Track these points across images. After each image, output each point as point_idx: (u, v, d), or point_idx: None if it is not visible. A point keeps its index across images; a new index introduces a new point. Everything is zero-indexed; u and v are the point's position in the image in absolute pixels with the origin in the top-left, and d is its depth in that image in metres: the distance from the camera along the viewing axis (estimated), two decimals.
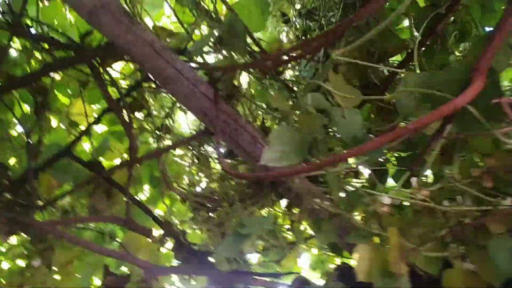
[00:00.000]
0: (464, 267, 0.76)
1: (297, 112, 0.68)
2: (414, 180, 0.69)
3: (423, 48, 0.91)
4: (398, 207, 0.84)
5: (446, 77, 0.51)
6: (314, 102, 0.62)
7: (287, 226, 1.47)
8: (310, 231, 1.48)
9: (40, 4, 1.21)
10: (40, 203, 1.25)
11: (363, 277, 0.71)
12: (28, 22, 1.20)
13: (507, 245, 0.66)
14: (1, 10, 1.07)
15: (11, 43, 1.15)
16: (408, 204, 0.77)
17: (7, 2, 1.06)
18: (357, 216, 0.86)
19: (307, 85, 0.81)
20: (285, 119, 0.85)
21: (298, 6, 1.17)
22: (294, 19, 1.21)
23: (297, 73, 1.23)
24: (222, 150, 1.32)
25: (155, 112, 1.24)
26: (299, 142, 0.65)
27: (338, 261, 1.70)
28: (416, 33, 0.82)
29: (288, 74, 1.35)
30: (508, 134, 0.49)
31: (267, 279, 1.45)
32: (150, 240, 1.27)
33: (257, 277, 1.36)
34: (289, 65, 1.32)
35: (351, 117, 0.60)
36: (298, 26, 1.20)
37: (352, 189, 0.76)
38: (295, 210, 1.39)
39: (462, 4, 0.83)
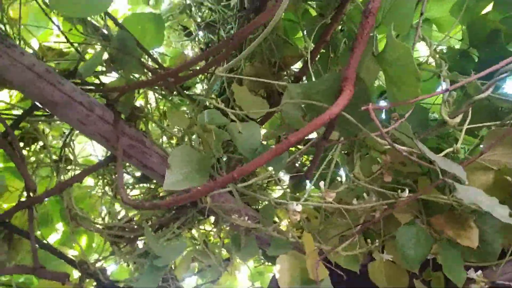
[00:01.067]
0: (384, 258, 0.79)
1: (197, 129, 0.65)
2: (322, 183, 0.70)
3: (318, 56, 0.94)
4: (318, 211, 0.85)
5: (322, 86, 0.52)
6: (210, 118, 0.60)
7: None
8: None
9: None
10: None
11: None
12: None
13: (411, 232, 0.69)
14: None
15: None
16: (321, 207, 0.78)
17: None
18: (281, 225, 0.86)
19: (199, 101, 0.79)
20: (184, 137, 0.81)
21: (198, 19, 1.15)
22: (196, 33, 1.19)
23: (206, 86, 1.21)
24: (136, 174, 1.24)
25: (54, 142, 1.12)
26: (201, 161, 0.61)
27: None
28: (308, 42, 0.84)
29: (199, 88, 1.33)
30: (388, 134, 0.51)
31: None
32: (67, 286, 1.14)
33: None
34: (198, 79, 1.29)
35: (248, 131, 0.59)
36: (201, 39, 1.18)
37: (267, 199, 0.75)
38: (223, 227, 1.36)
39: (345, 13, 0.88)
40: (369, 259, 0.86)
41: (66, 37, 1.00)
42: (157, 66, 0.97)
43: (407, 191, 0.68)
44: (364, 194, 0.73)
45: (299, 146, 1.10)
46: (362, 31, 0.48)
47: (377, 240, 0.79)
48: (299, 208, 0.66)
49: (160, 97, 1.14)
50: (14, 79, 0.79)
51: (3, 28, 0.94)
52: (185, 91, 1.16)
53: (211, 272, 1.47)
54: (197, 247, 1.38)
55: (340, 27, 0.96)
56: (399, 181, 0.77)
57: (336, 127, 0.59)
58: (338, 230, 0.78)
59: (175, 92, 1.17)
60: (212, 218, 1.41)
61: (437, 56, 0.61)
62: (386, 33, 0.50)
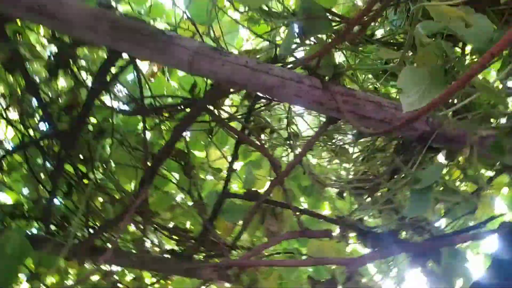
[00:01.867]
0: None
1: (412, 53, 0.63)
2: None
3: None
4: None
5: None
6: (426, 29, 0.57)
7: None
8: (488, 173, 1.30)
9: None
10: (226, 247, 1.39)
11: None
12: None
13: None
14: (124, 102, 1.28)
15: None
16: None
17: (128, 93, 1.27)
18: None
19: (412, 15, 0.74)
20: (400, 66, 0.79)
21: None
22: None
23: (388, 28, 1.15)
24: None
25: (276, 127, 1.30)
26: (431, 75, 0.60)
27: None
28: None
29: (379, 33, 1.27)
30: None
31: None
32: (332, 240, 1.27)
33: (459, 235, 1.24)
34: (377, 24, 1.24)
35: (477, 22, 0.53)
36: None
37: None
38: (460, 156, 1.25)
39: None
40: None
41: (255, 33, 1.15)
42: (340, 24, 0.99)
43: None
44: None
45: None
46: None
47: None
48: None
49: (348, 53, 1.16)
50: (237, 79, 0.95)
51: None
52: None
53: (460, 209, 1.37)
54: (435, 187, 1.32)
55: None
56: None
57: None
58: None
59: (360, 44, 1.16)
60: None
61: None
62: None
